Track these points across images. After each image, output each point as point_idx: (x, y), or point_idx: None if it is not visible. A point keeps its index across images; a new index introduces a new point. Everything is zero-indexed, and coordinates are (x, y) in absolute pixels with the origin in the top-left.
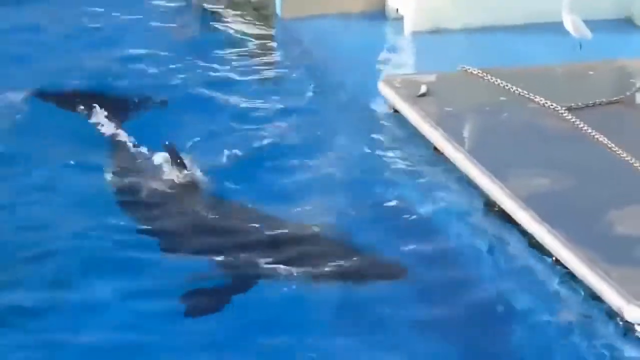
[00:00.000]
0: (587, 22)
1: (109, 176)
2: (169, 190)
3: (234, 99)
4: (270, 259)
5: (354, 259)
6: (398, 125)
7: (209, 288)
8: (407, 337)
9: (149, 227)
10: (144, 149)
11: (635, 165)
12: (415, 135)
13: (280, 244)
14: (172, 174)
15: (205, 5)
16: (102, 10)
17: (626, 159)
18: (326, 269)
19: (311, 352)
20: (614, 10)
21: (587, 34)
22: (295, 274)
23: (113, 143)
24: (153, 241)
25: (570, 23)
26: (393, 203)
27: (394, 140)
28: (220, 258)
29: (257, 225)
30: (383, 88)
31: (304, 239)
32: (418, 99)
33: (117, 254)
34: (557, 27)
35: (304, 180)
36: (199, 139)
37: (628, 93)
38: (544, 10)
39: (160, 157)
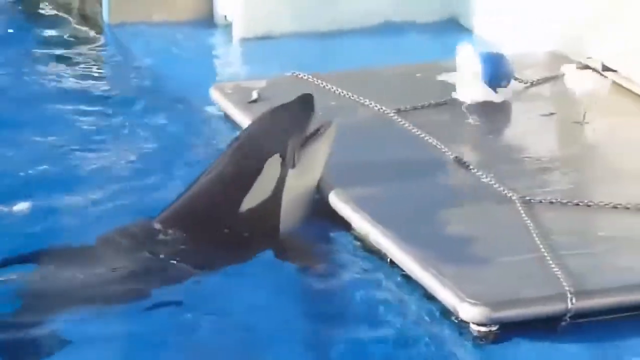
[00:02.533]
0: (413, 24)
1: None
2: None
3: (58, 108)
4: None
5: None
6: (231, 132)
7: None
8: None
9: None
10: None
11: (464, 164)
12: None
13: None
14: None
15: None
16: None
17: (455, 159)
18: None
19: None
20: (439, 11)
21: None
22: None
23: None
24: None
25: None
26: None
27: (226, 146)
28: None
29: None
30: (214, 95)
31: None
32: (250, 104)
33: None
34: (384, 29)
35: (140, 189)
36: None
37: (454, 94)
38: (372, 13)
39: None
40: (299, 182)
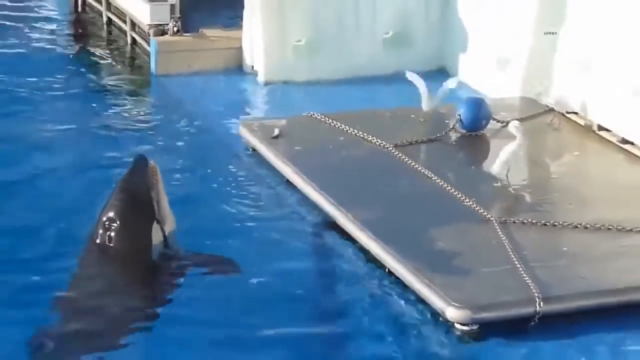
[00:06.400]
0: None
1: None
2: None
3: (114, 142)
4: None
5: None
6: (256, 163)
7: None
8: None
9: None
10: None
11: (451, 191)
12: (270, 171)
13: None
14: None
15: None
16: None
17: (444, 186)
18: None
19: None
20: (429, 62)
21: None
22: None
23: None
24: None
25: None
26: (252, 224)
27: (253, 175)
28: None
29: None
30: (243, 131)
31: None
32: (272, 140)
33: None
34: (387, 78)
35: (182, 204)
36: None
37: (444, 132)
38: (374, 66)
39: None
40: (168, 220)
